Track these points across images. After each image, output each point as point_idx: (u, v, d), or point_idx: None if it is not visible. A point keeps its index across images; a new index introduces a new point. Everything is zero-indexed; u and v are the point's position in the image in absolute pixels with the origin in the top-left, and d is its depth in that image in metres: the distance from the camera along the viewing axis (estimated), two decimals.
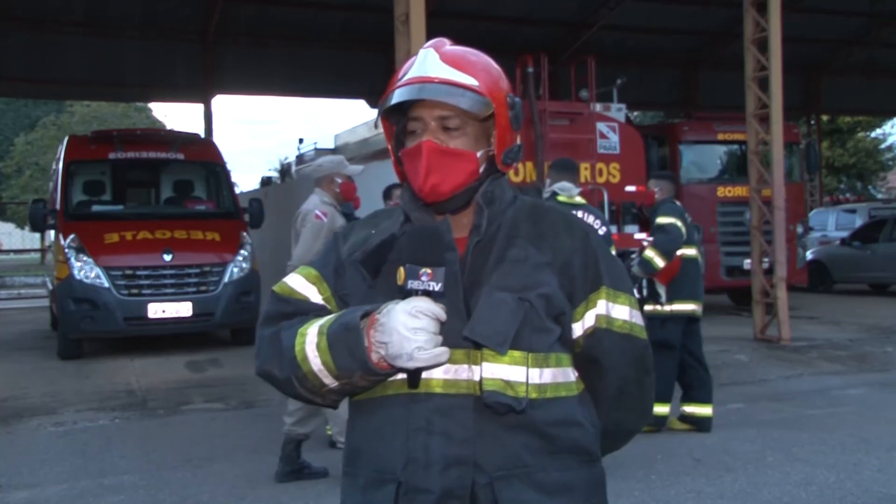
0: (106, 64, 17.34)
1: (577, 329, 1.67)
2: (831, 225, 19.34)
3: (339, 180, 5.67)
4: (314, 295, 1.71)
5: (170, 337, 10.54)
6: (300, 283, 1.73)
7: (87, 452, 6.11)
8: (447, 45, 1.68)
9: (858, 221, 18.62)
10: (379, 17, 14.88)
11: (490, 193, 1.67)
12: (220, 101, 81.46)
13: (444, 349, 1.51)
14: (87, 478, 5.49)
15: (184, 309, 9.86)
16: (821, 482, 5.06)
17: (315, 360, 1.58)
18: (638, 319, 1.73)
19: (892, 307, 14.31)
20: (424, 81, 1.61)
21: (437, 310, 1.51)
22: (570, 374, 1.66)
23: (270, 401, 7.61)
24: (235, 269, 10.22)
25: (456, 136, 1.63)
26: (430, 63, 1.63)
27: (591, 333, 1.67)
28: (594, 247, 1.69)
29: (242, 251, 10.40)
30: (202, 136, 15.23)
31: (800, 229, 13.86)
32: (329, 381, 1.60)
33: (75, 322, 9.71)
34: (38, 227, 11.08)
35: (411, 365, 1.49)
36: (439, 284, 1.53)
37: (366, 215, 1.84)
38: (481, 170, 1.66)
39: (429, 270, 1.53)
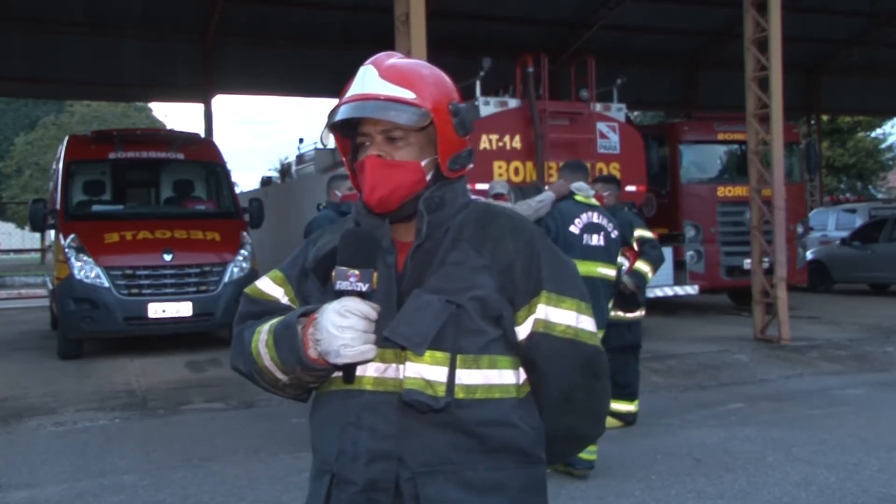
0: (106, 64, 17.34)
1: (520, 332, 1.69)
2: (831, 225, 19.33)
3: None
4: (282, 296, 1.82)
5: (170, 337, 10.54)
6: (268, 285, 1.84)
7: (87, 452, 6.11)
8: (388, 61, 1.73)
9: (858, 221, 18.61)
10: (379, 17, 14.88)
11: (435, 199, 1.70)
12: (220, 101, 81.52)
13: (370, 347, 1.58)
14: (87, 478, 5.49)
15: (184, 309, 9.86)
16: (821, 482, 5.06)
17: (266, 356, 1.69)
18: (586, 325, 1.73)
19: (892, 307, 14.31)
20: (364, 99, 1.67)
21: (366, 309, 1.57)
22: (508, 377, 1.68)
23: (270, 401, 7.61)
24: (235, 269, 10.22)
25: (401, 146, 1.69)
26: (369, 80, 1.69)
27: (531, 338, 1.69)
28: (538, 251, 1.70)
29: (242, 251, 10.40)
30: (202, 135, 15.21)
31: (800, 229, 13.86)
32: (280, 375, 1.70)
33: (75, 322, 9.70)
34: (38, 226, 11.07)
35: (339, 361, 1.57)
36: (366, 285, 1.58)
37: (338, 221, 1.90)
38: (428, 177, 1.71)
39: (356, 272, 1.59)
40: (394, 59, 1.74)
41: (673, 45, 20.93)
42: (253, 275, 10.39)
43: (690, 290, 12.06)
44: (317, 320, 1.60)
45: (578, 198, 5.56)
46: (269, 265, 11.27)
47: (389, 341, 1.60)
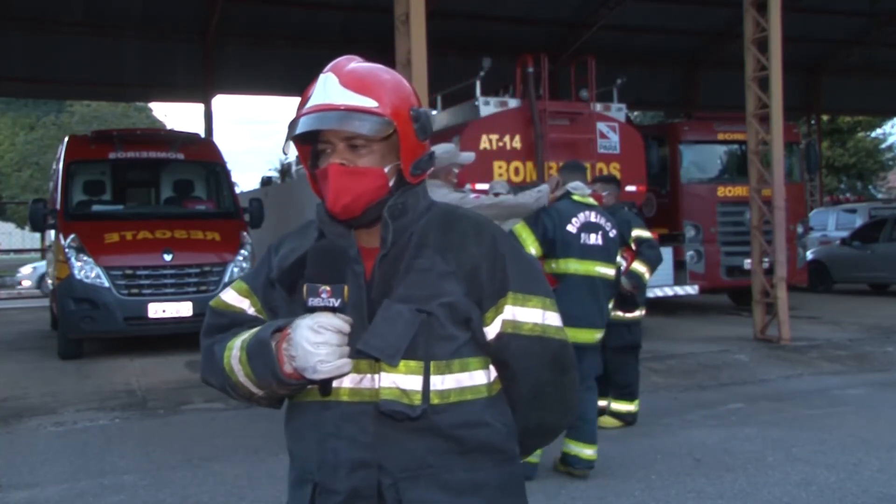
0: (106, 64, 17.34)
1: (489, 333, 1.71)
2: (831, 225, 19.34)
3: (456, 170, 5.58)
4: (248, 307, 1.83)
5: (170, 337, 10.54)
6: (233, 297, 1.85)
7: (87, 452, 6.10)
8: (348, 66, 1.72)
9: (858, 221, 18.62)
10: (379, 17, 14.90)
11: (399, 206, 1.71)
12: (221, 101, 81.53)
13: (346, 361, 1.60)
14: (87, 478, 5.49)
15: (184, 309, 9.86)
16: (821, 482, 5.06)
17: (240, 372, 1.71)
18: (552, 321, 1.76)
19: (892, 307, 14.31)
20: (324, 110, 1.67)
21: (339, 323, 1.59)
22: (479, 377, 1.70)
23: None
24: (236, 269, 10.21)
25: (363, 153, 1.68)
26: (330, 88, 1.68)
27: (500, 338, 1.71)
28: (502, 252, 1.72)
29: (243, 251, 10.40)
30: (202, 135, 15.22)
31: (800, 229, 13.86)
32: (255, 390, 1.71)
33: (75, 322, 9.70)
34: (39, 226, 11.08)
35: (316, 377, 1.59)
36: (338, 301, 1.60)
37: (297, 227, 1.89)
38: (391, 183, 1.71)
39: (328, 288, 1.60)
40: (353, 64, 1.73)
41: (673, 45, 20.94)
42: None
43: (690, 290, 12.06)
44: (290, 336, 1.61)
45: (576, 197, 5.56)
46: None
47: (363, 353, 1.62)
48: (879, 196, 36.66)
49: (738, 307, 13.97)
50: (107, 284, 9.64)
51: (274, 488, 5.17)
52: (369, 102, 1.66)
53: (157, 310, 9.74)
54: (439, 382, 1.64)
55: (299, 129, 1.68)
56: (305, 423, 1.72)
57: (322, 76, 1.72)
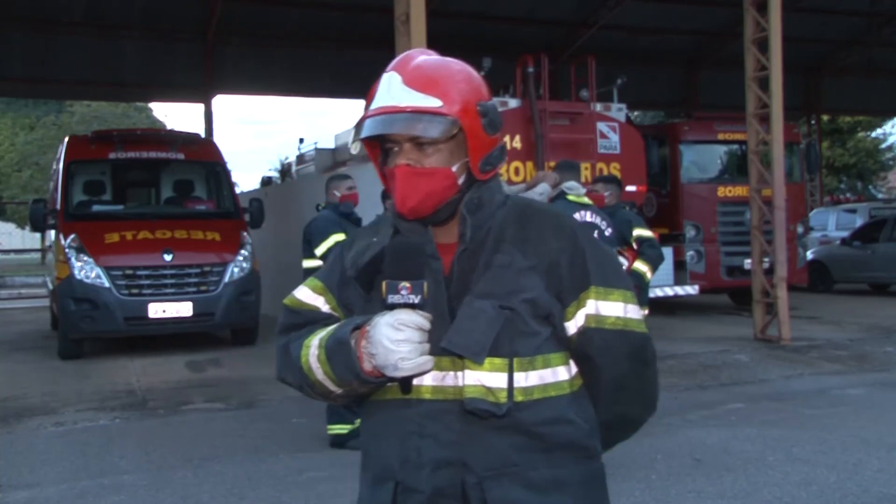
0: (106, 64, 17.34)
1: (570, 327, 1.70)
2: (831, 225, 19.33)
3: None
4: (322, 305, 1.80)
5: (170, 337, 10.54)
6: (308, 295, 1.83)
7: (88, 452, 6.10)
8: (413, 62, 1.68)
9: (859, 221, 18.61)
10: (379, 17, 14.88)
11: (476, 201, 1.69)
12: (221, 101, 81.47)
13: (428, 358, 1.58)
14: (88, 478, 5.49)
15: (184, 309, 9.86)
16: (821, 482, 5.06)
17: (318, 371, 1.70)
18: (633, 314, 1.74)
19: (892, 307, 14.31)
20: (388, 112, 1.64)
21: (420, 320, 1.58)
22: (561, 373, 1.69)
23: (270, 401, 7.62)
24: (236, 269, 10.22)
25: (430, 153, 1.65)
26: (394, 88, 1.65)
27: (583, 332, 1.70)
28: (582, 246, 1.70)
29: (243, 251, 10.41)
30: (202, 135, 15.22)
31: (800, 229, 13.87)
32: (334, 388, 1.70)
33: (75, 322, 9.71)
34: (39, 227, 11.09)
35: (397, 374, 1.58)
36: (418, 297, 1.58)
37: (368, 223, 1.87)
38: (461, 181, 1.68)
39: (407, 284, 1.58)
40: (418, 59, 1.69)
41: (673, 45, 20.93)
42: (253, 275, 10.41)
43: (691, 290, 12.07)
44: (369, 334, 1.60)
45: (571, 197, 5.56)
46: (269, 265, 11.25)
47: (447, 350, 1.60)
48: (879, 196, 36.64)
49: (739, 307, 13.96)
50: (107, 284, 9.64)
51: (274, 488, 5.17)
52: (433, 102, 1.62)
53: (157, 310, 9.75)
54: (523, 379, 1.63)
55: (364, 133, 1.66)
56: (386, 421, 1.70)
57: (386, 75, 1.69)
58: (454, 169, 1.67)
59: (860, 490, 4.91)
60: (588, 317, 1.69)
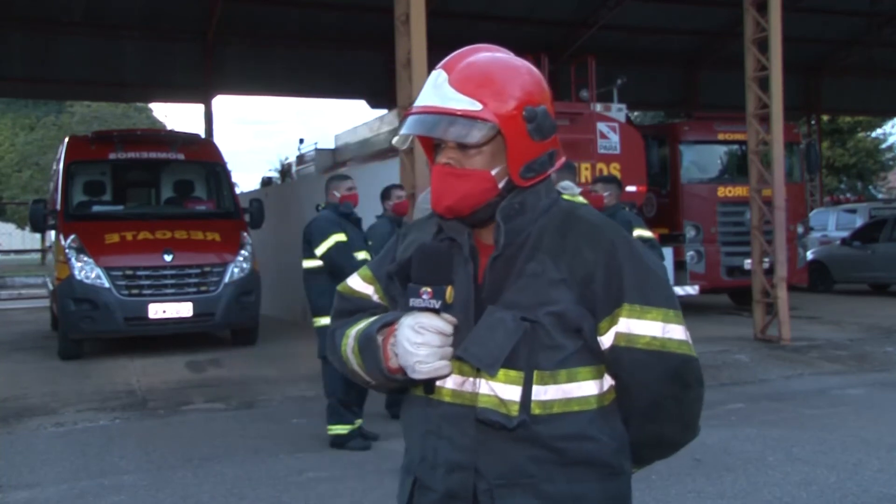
0: (106, 64, 17.35)
1: (604, 342, 1.64)
2: (832, 225, 19.33)
3: None
4: (373, 294, 1.84)
5: (170, 337, 10.54)
6: (359, 283, 1.86)
7: (88, 452, 6.10)
8: (464, 61, 1.64)
9: (859, 221, 18.61)
10: (379, 17, 14.89)
11: (515, 206, 1.65)
12: (221, 101, 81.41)
13: (444, 363, 1.58)
14: (88, 478, 5.50)
15: (184, 309, 9.87)
16: (821, 482, 5.06)
17: (353, 362, 1.74)
18: (675, 334, 1.65)
19: (892, 307, 14.31)
20: (427, 112, 1.62)
21: (441, 325, 1.56)
22: (588, 388, 1.63)
23: (270, 401, 7.62)
24: (236, 270, 10.22)
25: (472, 154, 1.63)
26: (438, 87, 1.63)
27: (612, 350, 1.64)
28: (620, 261, 1.63)
29: (243, 251, 10.41)
30: (202, 136, 15.22)
31: (800, 229, 13.87)
32: (368, 379, 1.74)
33: (76, 322, 9.71)
34: (39, 227, 11.09)
35: (415, 376, 1.59)
36: (439, 302, 1.57)
37: (425, 215, 1.84)
38: (501, 185, 1.65)
39: (429, 289, 1.58)
40: (470, 58, 1.65)
41: (673, 45, 20.94)
42: (253, 275, 10.41)
43: (690, 290, 12.07)
44: (395, 333, 1.61)
45: (566, 197, 5.57)
46: (269, 265, 11.23)
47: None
48: (879, 196, 36.65)
49: (739, 307, 13.96)
50: (107, 285, 9.64)
51: (274, 488, 5.17)
52: (473, 105, 1.59)
53: (157, 310, 9.75)
54: (542, 393, 1.59)
55: (403, 131, 1.66)
56: (414, 416, 1.73)
57: (434, 72, 1.66)
58: (494, 172, 1.63)
59: (860, 490, 4.91)
60: (618, 335, 1.62)
